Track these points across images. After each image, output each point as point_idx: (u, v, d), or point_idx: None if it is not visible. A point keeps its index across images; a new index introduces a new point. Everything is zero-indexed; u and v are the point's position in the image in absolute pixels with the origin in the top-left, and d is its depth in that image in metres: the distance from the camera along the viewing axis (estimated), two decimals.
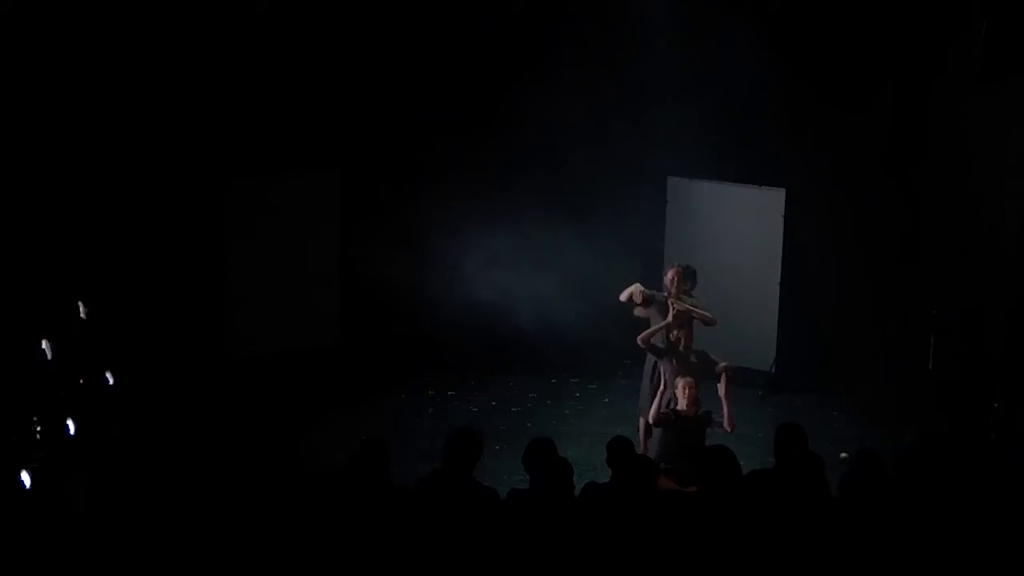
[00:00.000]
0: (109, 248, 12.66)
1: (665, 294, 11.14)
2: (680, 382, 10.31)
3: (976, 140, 12.97)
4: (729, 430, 10.50)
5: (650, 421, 10.52)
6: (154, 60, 12.71)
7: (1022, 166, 12.64)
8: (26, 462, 8.60)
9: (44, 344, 10.31)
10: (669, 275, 11.21)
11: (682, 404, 10.27)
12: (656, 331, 10.92)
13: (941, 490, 7.58)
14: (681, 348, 10.84)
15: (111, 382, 10.57)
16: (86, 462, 9.38)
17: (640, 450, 10.49)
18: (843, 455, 10.77)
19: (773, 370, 13.84)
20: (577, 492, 7.67)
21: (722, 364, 10.67)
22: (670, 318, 10.87)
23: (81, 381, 10.35)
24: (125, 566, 7.89)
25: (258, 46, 13.22)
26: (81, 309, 11.06)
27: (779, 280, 13.90)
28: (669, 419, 10.30)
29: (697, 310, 11.00)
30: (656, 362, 11.02)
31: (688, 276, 11.24)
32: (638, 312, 11.29)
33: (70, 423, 9.54)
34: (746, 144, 13.88)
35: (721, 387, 10.60)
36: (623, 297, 11.28)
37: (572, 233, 13.65)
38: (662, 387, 10.64)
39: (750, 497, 7.49)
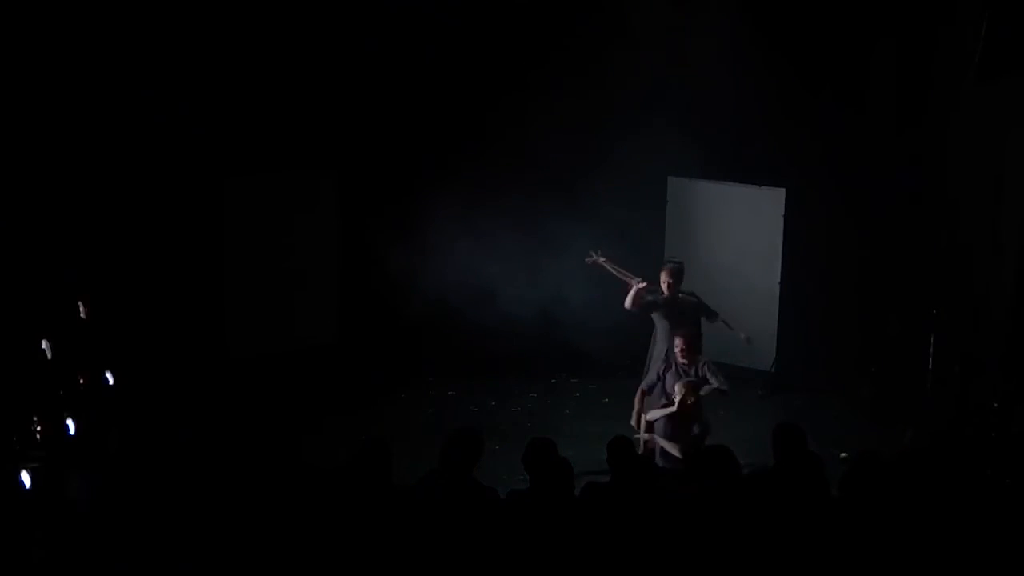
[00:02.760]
0: (109, 248, 12.66)
1: (664, 295, 11.26)
2: (678, 387, 10.35)
3: (976, 138, 12.97)
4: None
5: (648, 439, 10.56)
6: (154, 59, 12.71)
7: (1022, 164, 12.64)
8: (26, 462, 8.61)
9: (44, 344, 10.32)
10: (663, 277, 11.27)
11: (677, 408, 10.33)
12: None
13: (941, 490, 7.58)
14: (680, 358, 10.85)
15: (111, 382, 10.57)
16: (86, 462, 9.38)
17: (640, 450, 10.50)
18: (843, 455, 10.77)
19: (773, 370, 13.84)
20: (577, 492, 7.67)
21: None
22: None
23: (81, 381, 10.35)
24: (126, 566, 7.89)
25: (258, 46, 13.22)
26: (81, 309, 11.07)
27: (779, 280, 13.91)
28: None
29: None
30: (659, 370, 11.04)
31: (679, 273, 11.30)
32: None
33: (70, 423, 9.54)
34: (746, 144, 13.88)
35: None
36: (628, 304, 11.35)
37: (572, 233, 13.64)
38: (664, 401, 10.70)
39: (750, 497, 7.49)
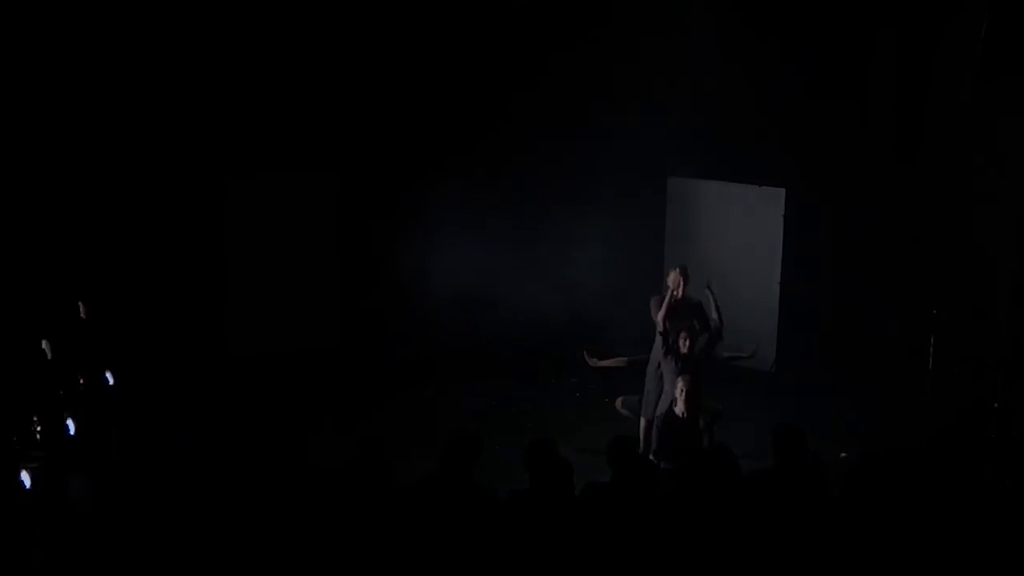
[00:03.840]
0: (109, 248, 12.67)
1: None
2: (680, 383, 10.30)
3: (975, 139, 12.98)
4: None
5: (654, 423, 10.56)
6: (155, 60, 12.72)
7: (1021, 165, 12.65)
8: (26, 462, 8.61)
9: (44, 344, 10.33)
10: (671, 277, 11.30)
11: (680, 406, 10.25)
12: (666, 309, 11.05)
13: (941, 490, 7.58)
14: (683, 348, 10.88)
15: (111, 382, 10.58)
16: (86, 462, 9.38)
17: (641, 450, 10.49)
18: (843, 455, 10.77)
19: (773, 370, 13.85)
20: (577, 492, 7.66)
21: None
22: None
23: (81, 381, 10.36)
24: (126, 566, 7.89)
25: (259, 46, 13.23)
26: (81, 309, 11.07)
27: (779, 280, 13.91)
28: (668, 421, 10.30)
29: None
30: (659, 363, 11.06)
31: (687, 274, 11.36)
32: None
33: (70, 423, 9.54)
34: (746, 144, 13.88)
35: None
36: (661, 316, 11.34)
37: (572, 233, 13.65)
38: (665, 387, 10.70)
39: (750, 497, 7.49)
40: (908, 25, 13.39)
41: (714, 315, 11.26)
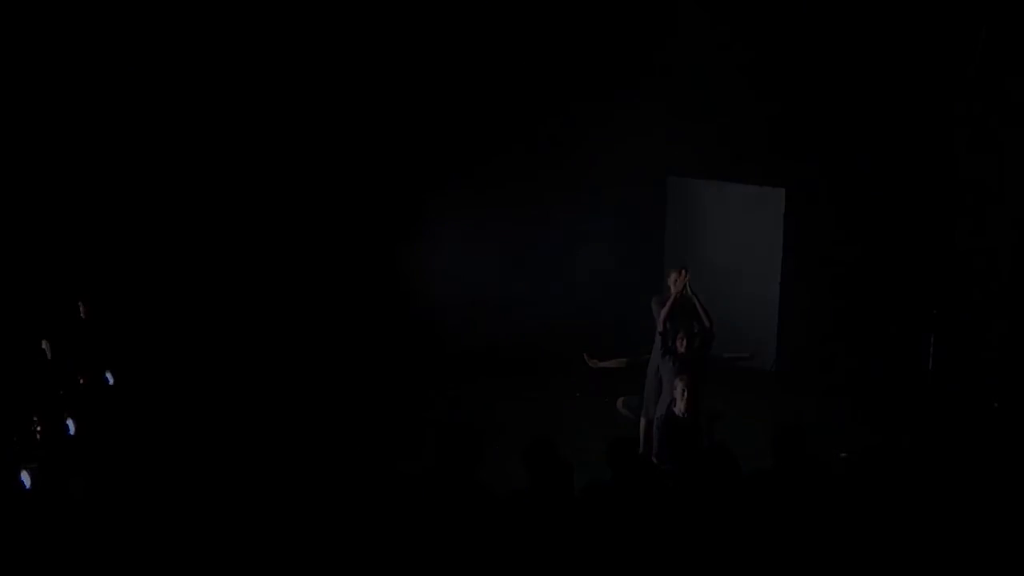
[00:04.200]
0: (109, 248, 12.67)
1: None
2: (678, 383, 10.30)
3: (975, 140, 12.98)
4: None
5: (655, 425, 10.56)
6: (155, 59, 12.73)
7: (1021, 165, 12.66)
8: (26, 462, 8.61)
9: (44, 344, 10.33)
10: (672, 277, 11.29)
11: (680, 406, 10.25)
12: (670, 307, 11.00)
13: (941, 490, 7.58)
14: (681, 349, 10.89)
15: (111, 382, 10.58)
16: (86, 462, 9.38)
17: (641, 450, 10.49)
18: (843, 455, 10.77)
19: (773, 370, 13.85)
20: (577, 492, 7.66)
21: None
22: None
23: (81, 381, 10.36)
24: (125, 566, 7.89)
25: (259, 48, 13.23)
26: (81, 309, 11.08)
27: (779, 280, 13.91)
28: (669, 421, 10.29)
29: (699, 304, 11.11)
30: (659, 364, 11.07)
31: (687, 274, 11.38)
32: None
33: (70, 423, 9.55)
34: (746, 144, 13.89)
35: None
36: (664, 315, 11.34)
37: (572, 233, 13.64)
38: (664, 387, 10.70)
39: (750, 497, 7.49)
40: (908, 25, 13.39)
41: (701, 316, 11.24)
